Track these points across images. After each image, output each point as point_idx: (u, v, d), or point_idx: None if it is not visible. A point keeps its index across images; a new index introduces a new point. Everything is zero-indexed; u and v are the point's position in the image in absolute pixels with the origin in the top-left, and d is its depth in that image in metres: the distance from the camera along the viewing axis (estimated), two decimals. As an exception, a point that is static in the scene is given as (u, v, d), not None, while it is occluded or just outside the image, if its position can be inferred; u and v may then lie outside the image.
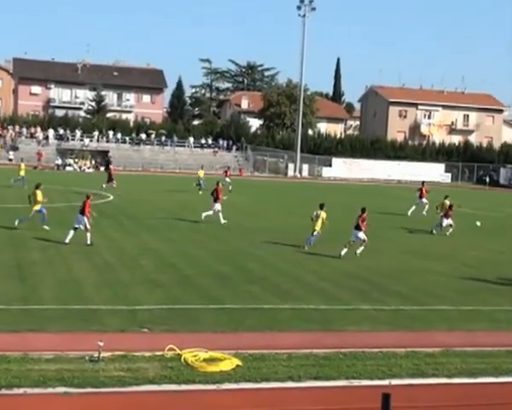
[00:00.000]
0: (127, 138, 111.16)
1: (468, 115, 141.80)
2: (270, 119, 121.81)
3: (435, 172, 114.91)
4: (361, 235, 31.28)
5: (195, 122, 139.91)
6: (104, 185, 58.02)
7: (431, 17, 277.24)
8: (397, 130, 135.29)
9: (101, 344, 15.08)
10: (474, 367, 16.09)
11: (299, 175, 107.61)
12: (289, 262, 28.94)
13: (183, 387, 14.08)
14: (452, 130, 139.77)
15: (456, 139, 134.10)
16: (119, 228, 35.06)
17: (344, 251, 30.75)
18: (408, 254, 33.14)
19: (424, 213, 50.86)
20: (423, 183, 55.07)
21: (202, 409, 13.42)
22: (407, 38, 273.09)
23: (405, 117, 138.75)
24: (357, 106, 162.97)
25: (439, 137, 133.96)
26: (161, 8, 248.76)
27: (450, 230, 40.67)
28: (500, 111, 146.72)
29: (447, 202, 42.79)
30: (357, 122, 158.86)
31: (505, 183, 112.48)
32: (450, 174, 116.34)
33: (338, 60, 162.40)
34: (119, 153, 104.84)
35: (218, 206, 40.48)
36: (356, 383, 14.79)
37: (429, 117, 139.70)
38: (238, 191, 63.41)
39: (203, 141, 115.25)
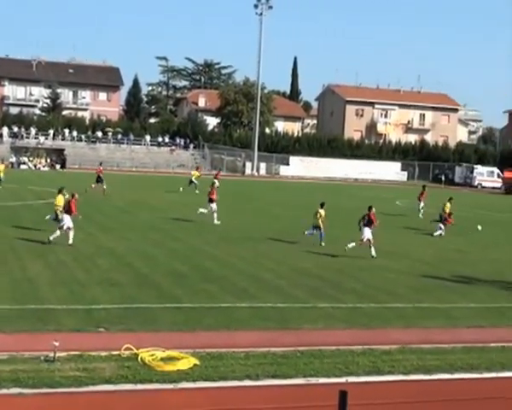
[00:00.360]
0: (83, 136, 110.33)
1: (424, 114, 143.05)
2: (228, 117, 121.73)
3: (391, 170, 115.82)
4: (367, 233, 31.51)
5: (152, 120, 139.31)
6: (93, 185, 56.97)
7: (387, 17, 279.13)
8: (354, 129, 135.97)
9: (57, 344, 14.92)
10: (429, 364, 16.21)
11: (256, 173, 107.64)
12: (246, 261, 28.93)
13: (140, 386, 13.99)
14: (408, 129, 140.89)
15: (413, 138, 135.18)
16: (75, 227, 34.72)
17: (373, 251, 31.25)
18: (364, 251, 33.26)
19: (420, 215, 50.81)
20: (424, 186, 54.78)
21: (159, 409, 13.36)
22: (364, 38, 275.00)
23: (362, 116, 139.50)
24: (315, 104, 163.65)
25: (395, 135, 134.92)
26: (117, 4, 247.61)
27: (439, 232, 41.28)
28: (455, 110, 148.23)
29: (449, 205, 43.84)
30: (315, 121, 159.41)
31: (460, 181, 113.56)
32: (406, 173, 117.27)
33: (295, 58, 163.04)
34: (75, 151, 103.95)
35: (213, 206, 40.83)
36: (313, 380, 14.81)
37: (386, 116, 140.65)
38: (195, 190, 63.22)
39: (160, 139, 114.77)
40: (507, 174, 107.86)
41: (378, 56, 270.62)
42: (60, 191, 34.12)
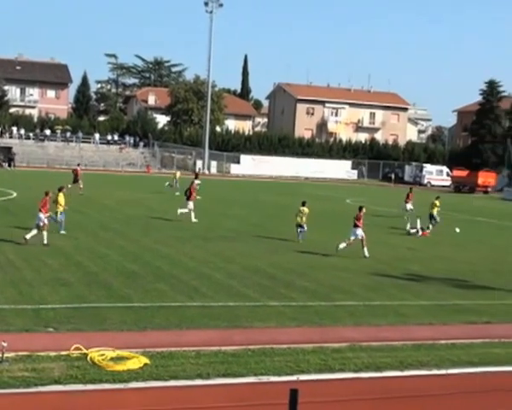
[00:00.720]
0: (31, 134, 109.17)
1: (374, 113, 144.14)
2: (178, 115, 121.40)
3: (342, 169, 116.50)
4: (359, 232, 32.13)
5: (101, 118, 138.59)
6: (69, 186, 56.49)
7: (337, 16, 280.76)
8: (304, 127, 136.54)
9: (5, 345, 14.71)
10: (380, 361, 16.29)
11: (207, 172, 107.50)
12: (196, 260, 28.82)
13: (90, 387, 13.85)
14: (359, 127, 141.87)
15: (363, 137, 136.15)
16: (23, 226, 34.34)
17: (342, 245, 31.81)
18: (313, 249, 33.36)
19: (405, 217, 51.34)
20: (411, 188, 55.36)
21: (110, 409, 13.23)
22: (314, 36, 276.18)
23: (313, 114, 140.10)
24: (265, 103, 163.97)
25: (345, 134, 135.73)
26: (65, 0, 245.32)
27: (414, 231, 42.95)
28: (405, 109, 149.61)
29: (437, 203, 45.20)
30: (265, 119, 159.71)
31: (410, 179, 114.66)
32: (356, 171, 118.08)
33: (245, 57, 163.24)
34: (23, 149, 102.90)
35: (191, 204, 41.51)
36: (264, 379, 14.79)
37: (336, 115, 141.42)
38: (145, 188, 62.98)
39: (109, 137, 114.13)
40: (456, 173, 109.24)
41: (329, 55, 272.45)
42: (60, 190, 34.13)
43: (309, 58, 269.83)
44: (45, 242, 29.59)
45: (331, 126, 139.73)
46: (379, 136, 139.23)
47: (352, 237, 32.16)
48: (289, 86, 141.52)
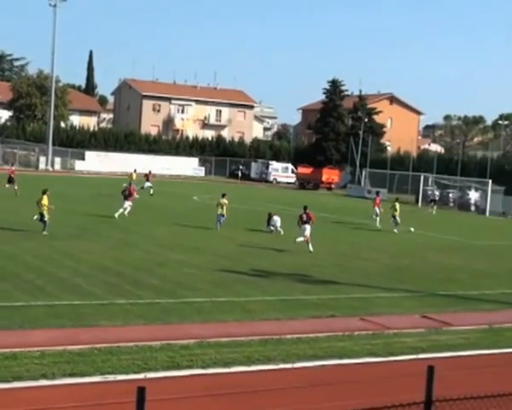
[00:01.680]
0: None
1: (220, 111, 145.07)
2: (20, 110, 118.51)
3: (189, 166, 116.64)
4: (308, 228, 35.18)
5: None
6: (7, 185, 55.42)
7: (182, 12, 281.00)
8: (151, 123, 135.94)
9: None
10: (227, 357, 16.39)
11: (51, 168, 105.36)
12: (41, 258, 28.21)
13: None
14: (205, 124, 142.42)
15: (210, 134, 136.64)
16: None
17: (299, 239, 35.33)
18: (161, 247, 33.28)
19: (378, 224, 51.40)
20: (378, 192, 56.01)
21: None
22: (160, 32, 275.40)
23: (159, 111, 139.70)
24: (111, 99, 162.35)
25: (192, 131, 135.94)
26: None
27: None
28: (251, 107, 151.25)
29: (397, 205, 48.78)
30: (111, 115, 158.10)
31: (256, 177, 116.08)
32: (203, 168, 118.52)
33: (90, 52, 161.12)
34: None
35: (128, 203, 43.43)
36: (111, 378, 14.61)
37: (183, 111, 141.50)
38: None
39: None
40: (300, 170, 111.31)
41: (175, 52, 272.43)
42: (44, 192, 35.60)
43: (155, 54, 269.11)
44: None
45: (178, 123, 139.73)
46: (225, 133, 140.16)
47: (306, 233, 35.07)
48: (135, 82, 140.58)
